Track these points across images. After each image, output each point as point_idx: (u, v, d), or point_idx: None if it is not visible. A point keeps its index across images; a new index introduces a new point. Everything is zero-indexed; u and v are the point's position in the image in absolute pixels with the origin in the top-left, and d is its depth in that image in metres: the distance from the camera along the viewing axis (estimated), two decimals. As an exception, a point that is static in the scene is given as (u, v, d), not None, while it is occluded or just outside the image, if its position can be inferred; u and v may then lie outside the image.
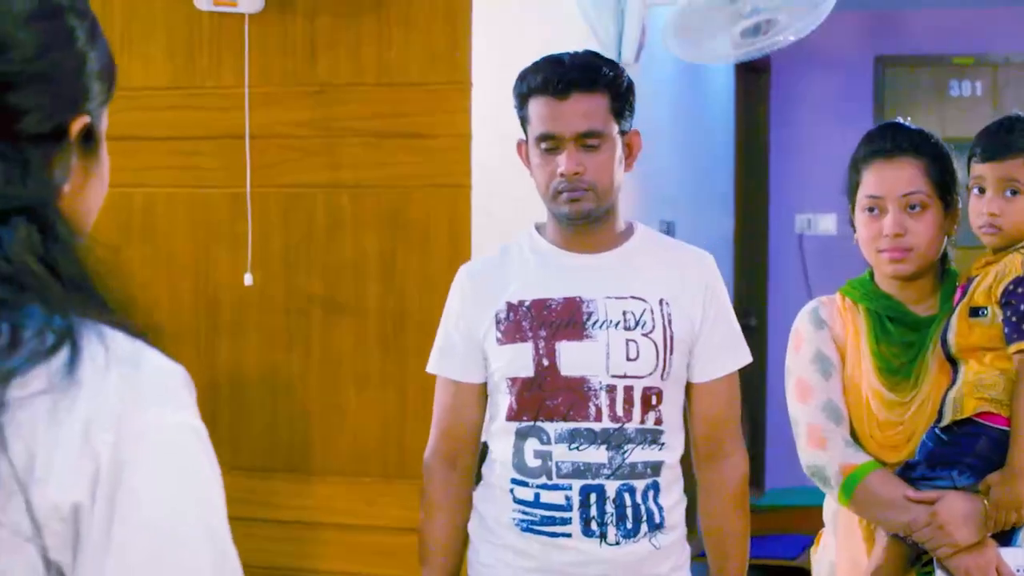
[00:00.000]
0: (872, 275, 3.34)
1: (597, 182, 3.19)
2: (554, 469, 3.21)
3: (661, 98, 6.60)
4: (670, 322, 3.23)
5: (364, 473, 4.28)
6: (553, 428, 3.20)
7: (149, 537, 1.33)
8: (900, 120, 3.42)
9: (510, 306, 3.27)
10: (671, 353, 3.23)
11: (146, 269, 4.48)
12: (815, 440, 3.25)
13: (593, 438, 3.19)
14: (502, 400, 3.28)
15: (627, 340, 3.20)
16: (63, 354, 1.32)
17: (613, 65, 3.27)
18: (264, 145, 4.34)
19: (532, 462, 3.24)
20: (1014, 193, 3.13)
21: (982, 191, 3.17)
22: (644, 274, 3.28)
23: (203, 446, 1.41)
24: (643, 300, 3.24)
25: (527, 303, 3.25)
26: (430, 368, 3.41)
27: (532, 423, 3.22)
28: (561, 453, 3.20)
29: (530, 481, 3.24)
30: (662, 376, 3.22)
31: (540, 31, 4.45)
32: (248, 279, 4.31)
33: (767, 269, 9.04)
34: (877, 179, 3.25)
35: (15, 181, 1.37)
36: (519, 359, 3.23)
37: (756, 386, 8.34)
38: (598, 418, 3.19)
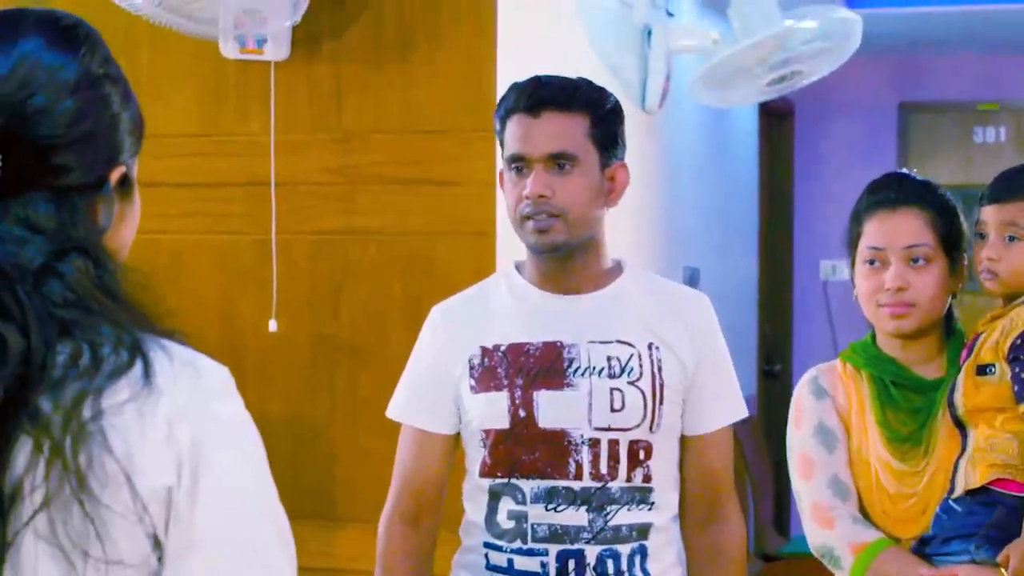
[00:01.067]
0: (874, 337, 3.13)
1: (568, 209, 2.88)
2: (529, 532, 2.91)
3: (685, 144, 6.61)
4: (660, 368, 2.93)
5: (388, 520, 4.27)
6: (529, 486, 2.90)
7: (224, 502, 1.63)
8: (906, 171, 3.28)
9: (484, 351, 2.97)
10: (661, 403, 2.92)
11: (172, 315, 4.48)
12: (821, 519, 3.03)
13: (572, 498, 2.88)
14: (476, 454, 2.98)
15: (611, 389, 2.90)
16: (138, 366, 1.59)
17: (598, 89, 3.01)
18: (290, 192, 4.36)
19: (506, 524, 2.94)
20: (1012, 239, 3.00)
21: (984, 236, 3.04)
22: (631, 316, 2.97)
23: (254, 430, 1.69)
24: (630, 345, 2.94)
25: (503, 348, 2.95)
26: (393, 413, 3.15)
27: (506, 480, 2.92)
28: (537, 514, 2.90)
29: (504, 545, 2.95)
30: (651, 428, 2.92)
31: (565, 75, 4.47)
32: (273, 325, 4.32)
33: (792, 315, 9.04)
34: (879, 230, 3.07)
35: (67, 224, 1.63)
36: (493, 409, 2.92)
37: (780, 430, 8.28)
38: (578, 476, 2.88)
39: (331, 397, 4.36)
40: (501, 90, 4.16)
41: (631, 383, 2.91)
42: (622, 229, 5.01)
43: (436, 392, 3.03)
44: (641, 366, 2.92)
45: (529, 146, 2.91)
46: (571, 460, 2.88)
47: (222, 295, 4.46)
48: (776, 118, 8.78)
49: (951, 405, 2.96)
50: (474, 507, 3.01)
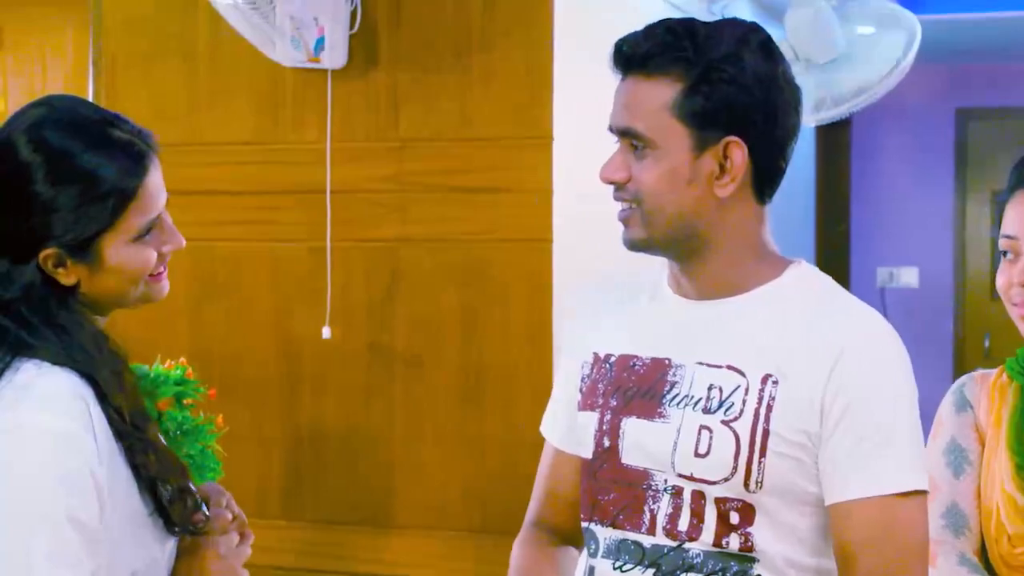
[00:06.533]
0: None
1: (643, 196, 2.23)
2: None
3: (741, 151, 6.58)
4: (770, 409, 2.17)
5: (444, 527, 4.28)
6: (603, 535, 2.30)
7: None
8: None
9: (596, 359, 2.37)
10: (762, 454, 2.16)
11: (228, 322, 4.51)
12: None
13: (640, 557, 2.24)
14: None
15: (700, 427, 2.20)
16: None
17: (710, 40, 2.21)
18: (345, 200, 4.37)
19: None
20: None
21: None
22: (758, 335, 2.23)
23: (48, 440, 1.95)
24: (740, 373, 2.21)
25: (613, 358, 2.34)
26: (540, 427, 2.56)
27: (587, 524, 2.33)
28: (603, 572, 2.29)
29: None
30: (747, 485, 2.17)
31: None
32: (326, 332, 4.33)
33: (848, 323, 8.97)
34: (1015, 214, 2.48)
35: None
36: (584, 433, 2.35)
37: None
38: (650, 530, 2.23)
39: (386, 404, 4.36)
40: (557, 98, 4.18)
41: (724, 423, 2.20)
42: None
43: (567, 404, 2.45)
44: (744, 402, 2.19)
45: (611, 116, 2.28)
46: (646, 509, 2.25)
47: (277, 302, 4.47)
48: (832, 126, 8.74)
49: None
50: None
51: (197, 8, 4.41)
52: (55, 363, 2.02)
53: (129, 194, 2.07)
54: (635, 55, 2.22)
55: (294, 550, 4.30)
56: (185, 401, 3.75)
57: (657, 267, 2.41)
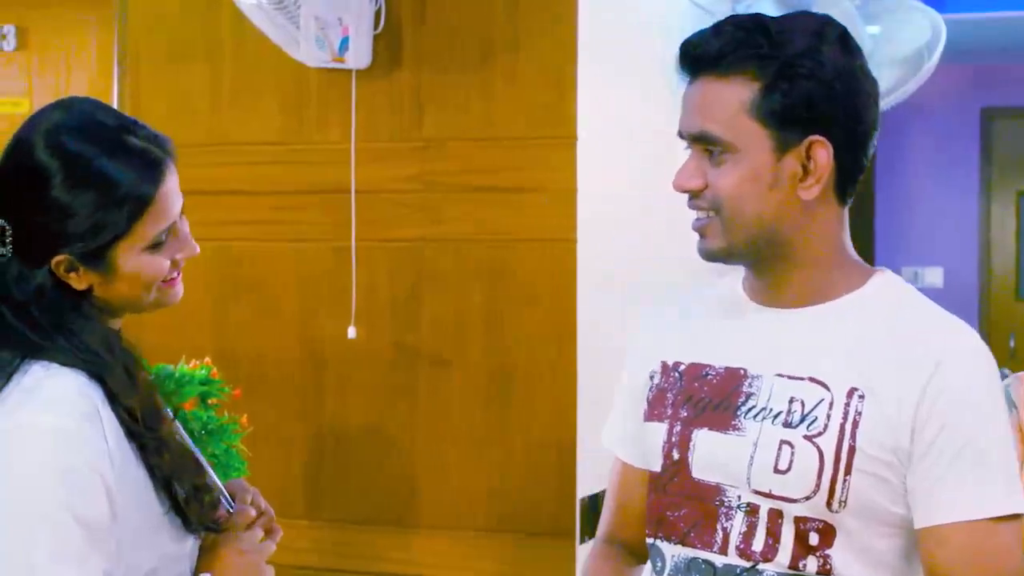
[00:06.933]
0: None
1: (722, 203, 2.12)
2: None
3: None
4: (856, 424, 2.06)
5: (467, 527, 4.27)
6: (670, 553, 2.20)
7: None
8: None
9: (664, 368, 2.28)
10: (847, 472, 2.06)
11: (252, 322, 4.51)
12: None
13: None
14: None
15: (781, 441, 2.09)
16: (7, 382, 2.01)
17: (783, 35, 2.10)
18: (370, 200, 4.37)
19: None
20: None
21: None
22: (842, 347, 2.13)
23: (48, 439, 1.96)
24: (824, 386, 2.10)
25: (683, 367, 2.25)
26: (603, 439, 2.49)
27: (652, 540, 2.24)
28: None
29: None
30: (829, 504, 2.07)
31: (646, 84, 4.46)
32: (352, 332, 4.33)
33: (872, 323, 8.94)
34: None
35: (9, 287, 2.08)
36: (651, 445, 2.25)
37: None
38: (723, 549, 2.13)
39: (411, 405, 4.36)
40: (582, 98, 4.18)
41: (807, 438, 2.08)
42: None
43: (633, 415, 2.35)
44: (829, 417, 2.08)
45: (680, 121, 2.17)
46: (719, 527, 2.14)
47: (302, 303, 4.47)
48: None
49: None
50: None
51: (221, 8, 4.41)
52: (64, 364, 2.03)
53: (145, 201, 2.07)
54: (705, 55, 2.12)
55: (317, 550, 4.30)
56: (210, 401, 3.75)
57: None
